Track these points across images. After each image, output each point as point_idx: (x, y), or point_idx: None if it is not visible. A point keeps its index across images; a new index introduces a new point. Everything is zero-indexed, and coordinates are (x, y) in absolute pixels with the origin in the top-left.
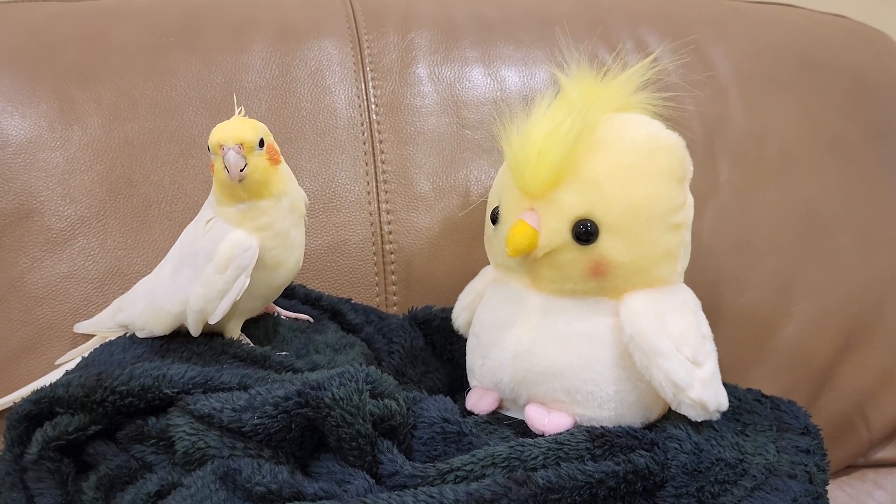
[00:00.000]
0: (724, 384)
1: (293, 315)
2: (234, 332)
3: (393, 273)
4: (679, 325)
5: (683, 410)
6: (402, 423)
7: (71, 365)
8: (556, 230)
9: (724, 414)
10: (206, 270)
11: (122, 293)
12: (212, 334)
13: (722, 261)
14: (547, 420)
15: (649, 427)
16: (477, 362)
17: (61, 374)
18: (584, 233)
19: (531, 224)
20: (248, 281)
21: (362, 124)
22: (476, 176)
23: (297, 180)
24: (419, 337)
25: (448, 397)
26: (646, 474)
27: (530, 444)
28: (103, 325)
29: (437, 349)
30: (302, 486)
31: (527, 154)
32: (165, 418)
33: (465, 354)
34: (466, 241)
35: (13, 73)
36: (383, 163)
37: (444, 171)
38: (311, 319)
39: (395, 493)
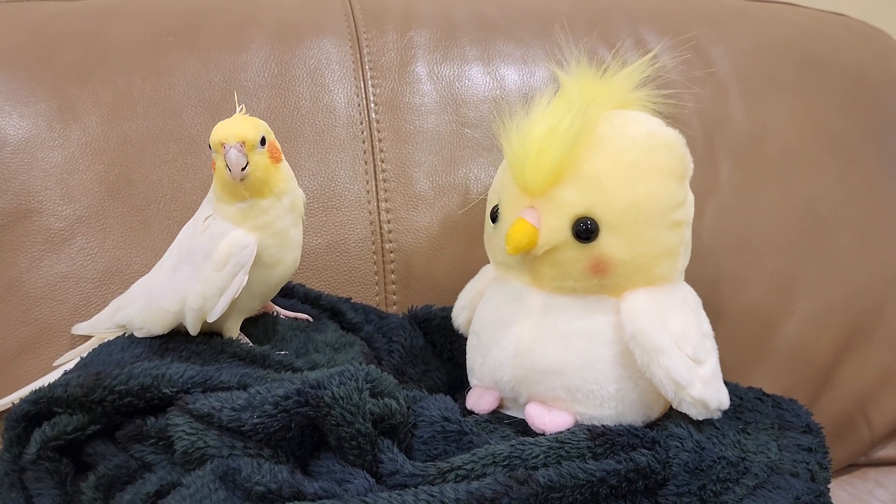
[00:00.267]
0: (725, 383)
1: (292, 314)
2: (233, 331)
3: (392, 272)
4: (680, 322)
5: (684, 409)
6: (402, 422)
7: (69, 366)
8: (557, 228)
9: (725, 412)
10: (205, 268)
11: (121, 293)
12: (211, 333)
13: (722, 259)
14: (548, 419)
15: (650, 426)
16: (477, 361)
17: (60, 375)
18: (585, 230)
19: (531, 222)
20: (246, 278)
21: (361, 123)
22: (476, 174)
23: (297, 179)
24: (419, 336)
25: (448, 396)
26: (647, 473)
27: (531, 443)
28: (101, 326)
29: (437, 348)
30: (302, 485)
31: (526, 152)
32: (164, 418)
33: (465, 353)
34: (466, 239)
35: (12, 72)
36: (383, 161)
37: (444, 169)
38: (311, 318)
39: (396, 492)
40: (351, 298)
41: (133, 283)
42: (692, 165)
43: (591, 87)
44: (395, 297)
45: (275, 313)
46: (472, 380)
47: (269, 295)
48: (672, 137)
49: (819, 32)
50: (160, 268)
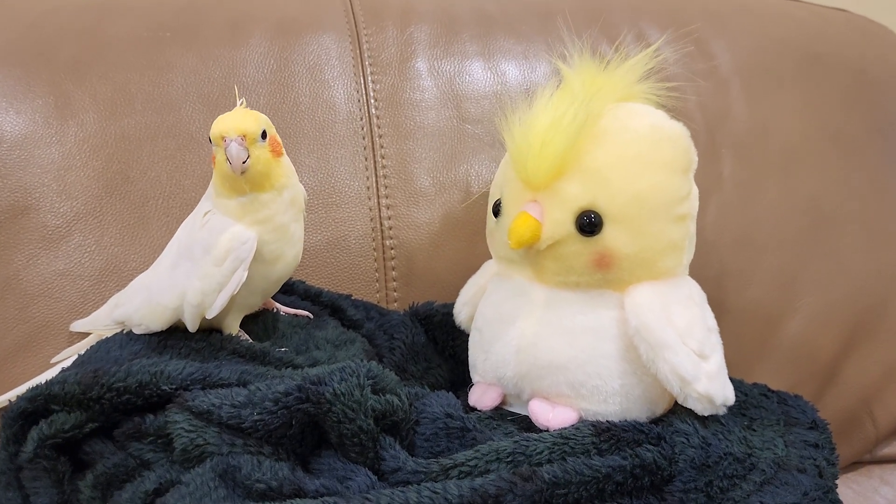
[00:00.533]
0: (730, 379)
1: (293, 311)
2: (233, 327)
3: (393, 269)
4: (685, 317)
5: (690, 404)
6: (404, 419)
7: (67, 363)
8: (560, 221)
9: (730, 408)
10: (204, 263)
11: (119, 290)
12: (210, 330)
13: (725, 256)
14: (551, 415)
15: (655, 422)
16: (480, 357)
17: (57, 373)
18: (588, 224)
19: (534, 216)
20: (245, 274)
21: (361, 119)
22: (477, 170)
23: (297, 176)
24: (420, 333)
25: (450, 393)
26: (653, 469)
27: (535, 439)
28: (100, 323)
29: (439, 345)
30: (303, 483)
31: (529, 145)
32: (163, 415)
33: (466, 350)
34: (467, 235)
35: (8, 68)
36: (383, 157)
37: (445, 165)
38: (311, 316)
39: (398, 489)
40: (351, 295)
41: (131, 280)
42: (696, 158)
43: (594, 80)
44: (395, 293)
45: (275, 310)
46: (475, 376)
47: (269, 291)
48: (676, 130)
49: (821, 28)
50: (159, 264)
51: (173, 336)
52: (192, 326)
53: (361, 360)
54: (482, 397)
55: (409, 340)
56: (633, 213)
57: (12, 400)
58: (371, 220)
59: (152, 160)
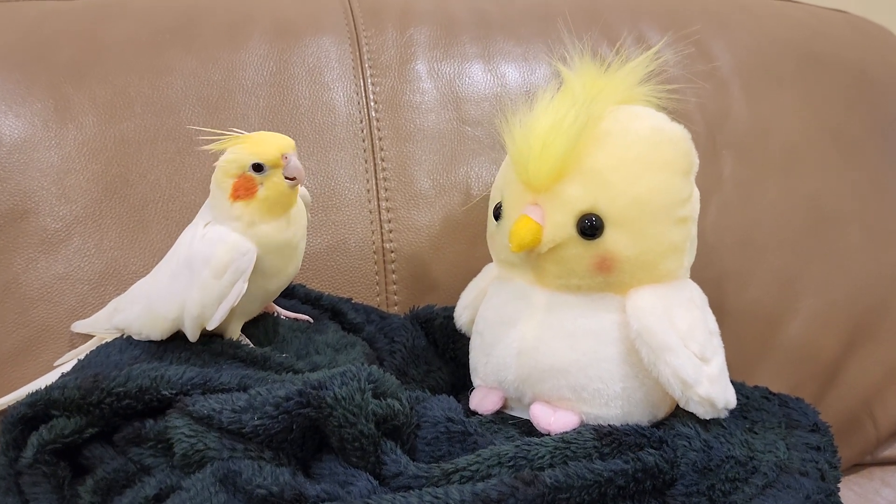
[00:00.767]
0: (731, 382)
1: (293, 315)
2: (234, 333)
3: (394, 272)
4: (686, 320)
5: (692, 408)
6: (405, 423)
7: (68, 367)
8: (561, 224)
9: (731, 412)
10: (204, 275)
11: (119, 294)
12: (211, 335)
13: (726, 257)
14: (553, 419)
15: (657, 425)
16: (481, 361)
17: (57, 376)
18: (589, 227)
19: (535, 219)
20: (245, 286)
21: (361, 121)
22: (477, 172)
23: None
24: (421, 336)
25: (451, 397)
26: (655, 472)
27: (537, 443)
28: (100, 326)
29: (440, 348)
30: (304, 487)
31: (530, 147)
32: (164, 420)
33: (467, 353)
34: (468, 238)
35: (7, 72)
36: (383, 160)
37: (445, 167)
38: (311, 320)
39: (400, 494)
40: (352, 299)
41: (131, 284)
42: (697, 161)
43: (595, 82)
44: (396, 297)
45: (275, 314)
46: (476, 380)
47: (268, 300)
48: (677, 132)
49: (820, 29)
50: (159, 272)
51: (173, 341)
52: (192, 337)
53: (362, 364)
54: (483, 401)
55: (409, 344)
56: (634, 216)
57: (12, 405)
58: (371, 222)
59: (152, 163)
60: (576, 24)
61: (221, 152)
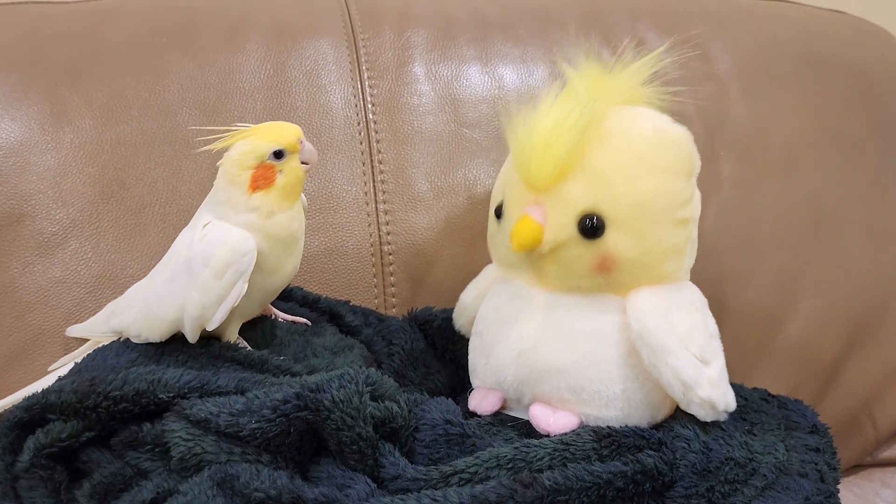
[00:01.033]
0: (730, 384)
1: (291, 318)
2: (232, 335)
3: (392, 274)
4: (686, 322)
5: (692, 410)
6: (403, 426)
7: (64, 371)
8: (562, 224)
9: (731, 413)
10: (203, 276)
11: (116, 297)
12: (208, 338)
13: (725, 258)
14: (552, 420)
15: (656, 427)
16: (480, 362)
17: (54, 381)
18: (591, 227)
19: (536, 219)
20: (245, 287)
21: (359, 124)
22: (475, 175)
23: None
24: (419, 338)
25: (450, 399)
26: (654, 474)
27: (536, 445)
28: (97, 329)
29: (438, 350)
30: (302, 491)
31: (533, 146)
32: (161, 424)
33: (466, 355)
34: (466, 241)
35: (3, 74)
36: (381, 163)
37: (443, 170)
38: (309, 323)
39: (398, 496)
40: (350, 301)
41: (128, 287)
42: (699, 163)
43: (599, 82)
44: (394, 299)
45: (273, 316)
46: (475, 381)
47: (267, 300)
48: (680, 134)
49: (819, 30)
50: (157, 274)
51: (170, 344)
52: (192, 338)
53: (360, 367)
54: (482, 402)
55: (407, 346)
56: (635, 217)
57: (8, 409)
58: (369, 225)
59: (149, 166)
60: (575, 25)
61: (221, 153)
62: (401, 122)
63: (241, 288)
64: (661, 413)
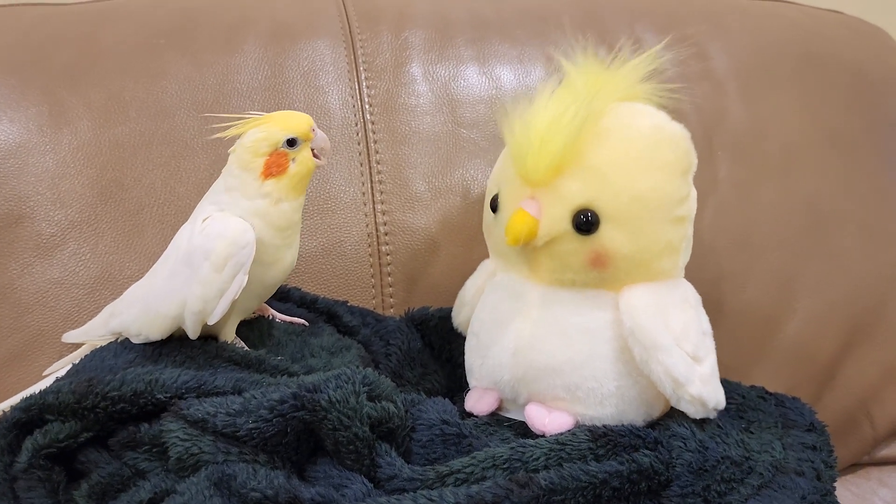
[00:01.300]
0: (727, 382)
1: (288, 319)
2: (230, 334)
3: (389, 275)
4: (680, 320)
5: (682, 407)
6: (400, 426)
7: (62, 373)
8: (557, 219)
9: (727, 411)
10: (204, 269)
11: (114, 299)
12: (206, 338)
13: (723, 257)
14: (548, 420)
15: (652, 425)
16: (476, 362)
17: (52, 382)
18: (585, 222)
19: (531, 213)
20: (246, 279)
21: (356, 124)
22: (472, 175)
23: None
24: (417, 338)
25: (447, 399)
26: (650, 474)
27: (531, 445)
28: (95, 333)
29: (436, 350)
30: (298, 491)
31: (529, 141)
32: (158, 424)
33: (463, 355)
34: (463, 241)
35: (2, 76)
36: (378, 163)
37: (440, 170)
38: (307, 323)
39: (394, 496)
40: (347, 302)
41: (127, 288)
42: (696, 161)
43: (597, 78)
44: (392, 299)
45: (270, 316)
46: (472, 381)
47: (265, 295)
48: (677, 132)
49: (817, 29)
50: (155, 272)
51: (168, 344)
52: (193, 334)
53: (357, 367)
54: (479, 402)
55: (405, 346)
56: (630, 213)
57: (6, 410)
58: (367, 225)
59: (147, 168)
60: (572, 25)
61: (227, 144)
62: (398, 122)
63: (242, 280)
64: (657, 410)
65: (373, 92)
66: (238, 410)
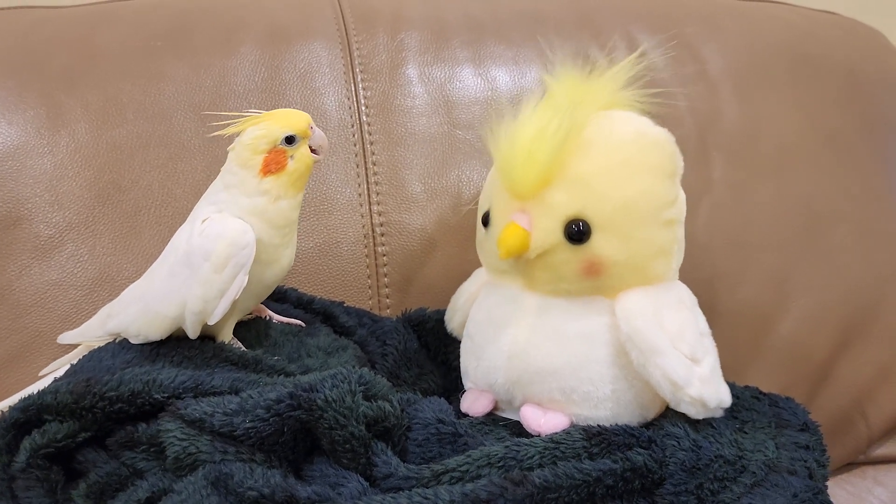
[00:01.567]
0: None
1: (285, 319)
2: (227, 335)
3: (386, 275)
4: (676, 322)
5: (683, 409)
6: (396, 425)
7: (60, 373)
8: (548, 231)
9: (722, 412)
10: (204, 270)
11: (112, 300)
12: (203, 338)
13: (717, 258)
14: (543, 420)
15: (646, 426)
16: (471, 364)
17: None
18: (576, 232)
19: (522, 225)
20: (246, 279)
21: (353, 126)
22: (468, 176)
23: None
24: (413, 339)
25: (443, 399)
26: (644, 472)
27: (526, 444)
28: (91, 334)
29: (432, 351)
30: (295, 489)
31: (515, 155)
32: (156, 424)
33: (458, 356)
34: (459, 241)
35: (0, 79)
36: (374, 164)
37: (436, 171)
38: (303, 324)
39: (390, 495)
40: (344, 302)
41: (124, 289)
42: (682, 163)
43: (578, 89)
44: (388, 300)
45: (267, 317)
46: (467, 382)
47: (263, 294)
48: (661, 136)
49: (811, 30)
50: (153, 273)
51: (166, 344)
52: (193, 334)
53: (353, 367)
54: (474, 403)
55: (401, 347)
56: (620, 220)
57: (4, 410)
58: (363, 226)
59: (144, 169)
60: (566, 27)
61: (226, 143)
62: (394, 123)
63: (242, 281)
64: (652, 412)
65: (369, 93)
66: (235, 410)
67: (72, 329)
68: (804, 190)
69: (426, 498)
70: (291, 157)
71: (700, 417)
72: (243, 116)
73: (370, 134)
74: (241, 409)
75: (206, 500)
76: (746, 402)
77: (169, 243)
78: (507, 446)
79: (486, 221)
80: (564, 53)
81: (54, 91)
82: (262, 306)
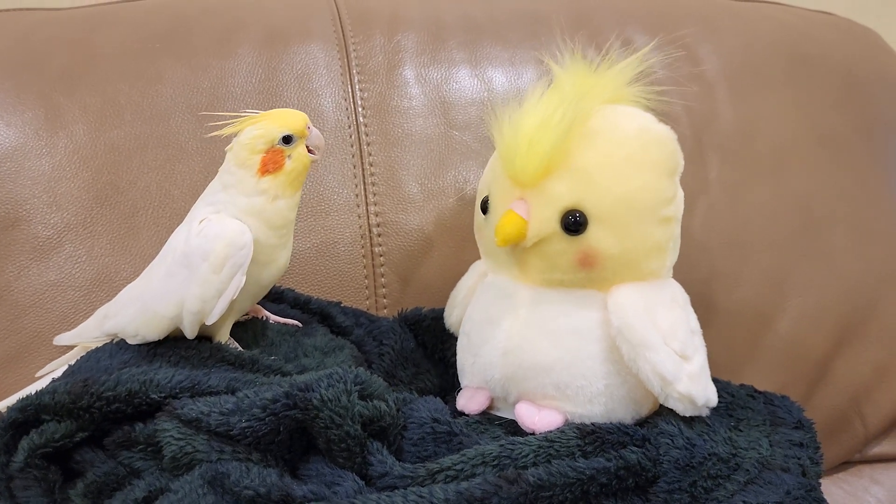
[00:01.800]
0: (717, 380)
1: (282, 320)
2: (224, 335)
3: (382, 276)
4: (667, 318)
5: (671, 404)
6: (391, 424)
7: (57, 374)
8: (546, 220)
9: (716, 410)
10: (202, 270)
11: (109, 301)
12: (200, 338)
13: (715, 257)
14: (537, 418)
15: (641, 423)
16: (467, 361)
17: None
18: (573, 223)
19: (520, 214)
20: (244, 280)
21: (349, 127)
22: (465, 177)
23: None
24: (410, 338)
25: (438, 398)
26: (638, 470)
27: (521, 443)
28: (88, 335)
29: (428, 350)
30: (291, 488)
31: (518, 143)
32: (153, 423)
33: (455, 355)
34: (456, 242)
35: None
36: (371, 165)
37: (433, 172)
38: (300, 324)
39: (385, 493)
40: (341, 302)
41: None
42: (683, 162)
43: (585, 81)
44: (385, 300)
45: (264, 317)
46: (463, 380)
47: (260, 294)
48: (664, 133)
49: (807, 31)
50: (151, 274)
51: (163, 344)
52: (191, 334)
53: (349, 367)
54: (470, 402)
55: (398, 346)
56: (618, 214)
57: (2, 411)
58: (360, 227)
59: (142, 171)
60: (564, 28)
61: (223, 144)
62: (391, 124)
63: (240, 281)
64: (645, 408)
65: (366, 94)
66: (231, 409)
67: (70, 330)
68: (801, 190)
69: (421, 497)
70: (289, 156)
71: (687, 414)
72: (241, 117)
73: (367, 135)
74: (238, 409)
75: (202, 500)
76: (741, 400)
77: (166, 244)
78: (501, 445)
79: (484, 208)
80: (569, 47)
81: (52, 92)
82: (259, 307)
